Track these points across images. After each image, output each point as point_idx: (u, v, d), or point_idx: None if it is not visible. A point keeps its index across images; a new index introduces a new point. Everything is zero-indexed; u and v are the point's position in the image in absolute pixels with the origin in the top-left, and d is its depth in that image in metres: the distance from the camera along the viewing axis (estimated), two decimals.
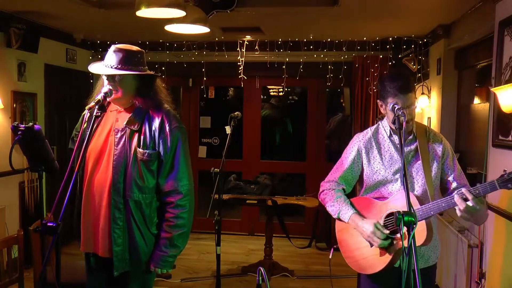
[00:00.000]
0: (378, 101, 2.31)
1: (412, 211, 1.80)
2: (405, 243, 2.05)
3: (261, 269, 2.28)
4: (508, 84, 2.82)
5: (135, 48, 2.25)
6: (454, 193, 2.02)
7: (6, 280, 2.83)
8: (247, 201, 4.74)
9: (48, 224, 1.80)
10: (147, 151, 2.19)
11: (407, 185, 1.91)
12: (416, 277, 1.69)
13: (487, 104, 3.67)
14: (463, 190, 1.97)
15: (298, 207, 4.67)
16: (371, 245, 2.20)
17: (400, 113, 2.07)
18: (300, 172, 6.29)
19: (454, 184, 2.24)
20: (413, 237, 1.73)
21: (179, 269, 4.78)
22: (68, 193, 1.89)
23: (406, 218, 1.71)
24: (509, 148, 2.96)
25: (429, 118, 4.91)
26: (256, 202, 4.73)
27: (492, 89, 3.03)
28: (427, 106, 4.88)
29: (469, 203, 1.95)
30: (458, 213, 2.01)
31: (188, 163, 2.28)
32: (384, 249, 2.16)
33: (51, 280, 1.99)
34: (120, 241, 2.18)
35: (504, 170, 1.93)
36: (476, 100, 4.29)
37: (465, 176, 2.30)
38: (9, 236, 3.20)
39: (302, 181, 6.16)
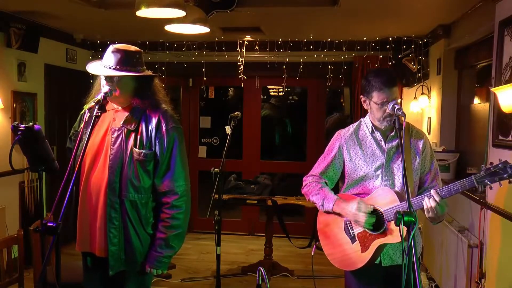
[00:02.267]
0: (361, 96, 2.32)
1: (412, 211, 1.80)
2: (396, 239, 2.09)
3: (261, 269, 2.28)
4: (508, 84, 2.82)
5: (133, 48, 2.24)
6: (431, 190, 2.06)
7: (6, 280, 2.83)
8: (247, 201, 4.74)
9: (48, 224, 1.80)
10: (143, 151, 2.19)
11: (407, 185, 1.92)
12: (416, 275, 1.69)
13: (487, 104, 3.67)
14: (432, 191, 2.03)
15: (298, 207, 4.66)
16: (353, 242, 2.23)
17: (400, 113, 2.08)
18: (300, 172, 6.26)
19: (427, 183, 2.28)
20: (413, 237, 1.73)
21: (179, 269, 4.78)
22: (68, 193, 1.89)
23: (406, 218, 1.71)
24: (509, 148, 2.96)
25: (429, 118, 4.91)
26: (256, 202, 4.73)
27: (492, 89, 3.03)
28: (427, 106, 4.88)
29: (437, 205, 2.01)
30: (430, 214, 2.06)
31: (185, 164, 2.27)
32: (369, 238, 2.16)
33: (51, 280, 1.99)
34: (116, 240, 2.18)
35: (482, 166, 1.96)
36: (476, 100, 4.29)
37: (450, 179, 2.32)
38: (9, 236, 3.20)
39: (302, 181, 6.15)
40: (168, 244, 2.23)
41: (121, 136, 2.20)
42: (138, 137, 2.20)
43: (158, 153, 2.21)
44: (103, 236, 2.18)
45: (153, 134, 2.21)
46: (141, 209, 2.21)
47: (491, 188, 2.00)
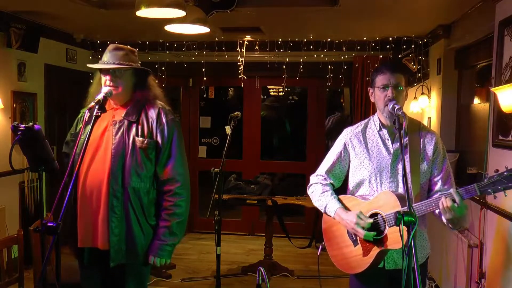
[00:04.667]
0: (369, 88, 2.30)
1: (412, 211, 1.79)
2: (397, 245, 2.05)
3: (261, 269, 2.28)
4: (508, 84, 2.82)
5: (128, 47, 2.37)
6: (435, 196, 1.99)
7: (6, 280, 2.83)
8: (247, 201, 4.74)
9: (48, 224, 1.81)
10: (146, 139, 2.27)
11: (407, 186, 1.89)
12: (416, 276, 1.69)
13: (487, 104, 3.67)
14: (452, 190, 1.94)
15: (298, 207, 4.66)
16: (355, 245, 2.20)
17: (400, 113, 2.04)
18: (300, 172, 6.29)
19: (438, 186, 2.19)
20: (413, 237, 1.72)
21: (179, 269, 4.78)
22: (67, 194, 1.89)
23: (406, 218, 1.70)
24: (509, 148, 2.96)
25: (429, 118, 4.91)
26: (256, 202, 4.73)
27: (492, 89, 3.03)
28: (427, 106, 4.88)
29: (455, 205, 1.91)
30: (447, 216, 1.95)
31: (184, 154, 2.37)
32: (371, 243, 2.14)
33: (51, 280, 1.99)
34: (117, 231, 2.21)
35: (486, 174, 1.89)
36: (476, 100, 4.29)
37: (466, 178, 2.27)
38: (9, 236, 3.20)
39: (302, 181, 6.16)
40: (171, 232, 2.27)
41: (122, 127, 2.28)
42: (140, 127, 2.29)
43: (160, 142, 2.29)
44: (105, 227, 2.21)
45: (154, 125, 2.30)
46: (143, 197, 2.26)
47: (495, 197, 1.90)
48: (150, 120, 2.30)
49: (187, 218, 2.35)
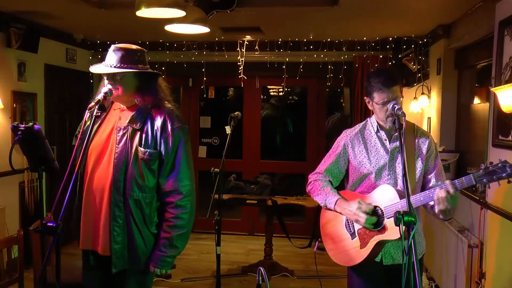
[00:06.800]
0: (365, 97, 2.36)
1: (412, 211, 1.80)
2: (394, 236, 2.10)
3: (261, 269, 2.28)
4: (508, 84, 2.82)
5: (134, 46, 2.25)
6: (435, 188, 2.09)
7: (6, 280, 2.83)
8: (247, 201, 4.74)
9: (48, 224, 1.80)
10: (148, 150, 2.19)
11: (407, 185, 1.92)
12: (416, 274, 1.70)
13: (487, 104, 3.67)
14: (448, 182, 2.04)
15: (298, 207, 4.67)
16: (352, 238, 2.26)
17: (400, 113, 2.10)
18: (300, 172, 6.29)
19: (432, 182, 2.30)
20: (413, 237, 1.73)
21: (179, 269, 4.78)
22: (68, 193, 1.89)
23: (406, 218, 1.71)
24: (509, 148, 2.96)
25: (429, 118, 4.91)
26: (256, 202, 4.73)
27: (492, 89, 3.04)
28: (427, 106, 4.88)
29: (449, 196, 2.02)
30: (440, 207, 2.05)
31: (190, 164, 2.28)
32: (368, 235, 2.18)
33: (51, 280, 1.99)
34: (120, 239, 2.18)
35: (482, 165, 1.97)
36: (476, 100, 4.29)
37: (445, 176, 2.35)
38: (9, 236, 3.20)
39: (302, 181, 6.15)
40: (172, 244, 2.23)
41: (126, 135, 2.21)
42: (143, 136, 2.20)
43: (163, 153, 2.21)
44: (107, 235, 2.18)
45: (158, 134, 2.20)
46: (145, 208, 2.21)
47: (489, 187, 1.99)
48: (155, 128, 2.20)
49: (190, 229, 2.29)
